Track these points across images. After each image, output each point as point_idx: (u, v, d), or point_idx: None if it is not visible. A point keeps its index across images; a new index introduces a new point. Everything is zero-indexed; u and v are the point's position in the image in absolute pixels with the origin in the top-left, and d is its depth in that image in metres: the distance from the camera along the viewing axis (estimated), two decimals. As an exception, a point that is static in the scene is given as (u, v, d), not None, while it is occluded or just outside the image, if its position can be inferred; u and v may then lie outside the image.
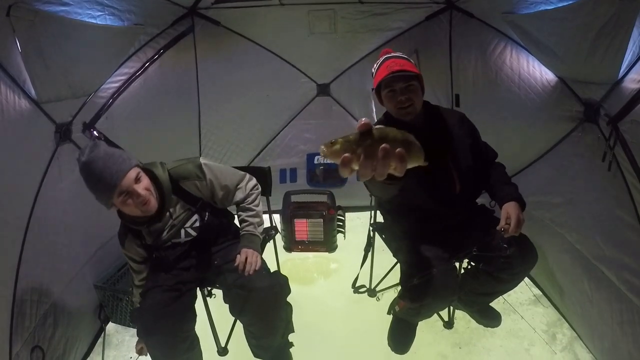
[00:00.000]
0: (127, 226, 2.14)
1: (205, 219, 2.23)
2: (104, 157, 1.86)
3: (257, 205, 2.34)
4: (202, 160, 2.19)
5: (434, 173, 2.13)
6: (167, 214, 2.12)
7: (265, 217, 2.95)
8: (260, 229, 2.32)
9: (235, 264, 2.09)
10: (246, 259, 2.12)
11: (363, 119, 0.88)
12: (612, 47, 1.99)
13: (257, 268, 2.10)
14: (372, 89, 2.27)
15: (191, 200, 2.17)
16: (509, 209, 2.11)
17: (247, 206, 2.32)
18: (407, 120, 2.16)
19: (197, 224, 2.23)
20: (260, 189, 2.40)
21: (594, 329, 2.44)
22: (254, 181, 2.37)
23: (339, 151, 0.87)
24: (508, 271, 2.19)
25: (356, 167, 0.87)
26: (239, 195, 2.29)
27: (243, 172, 2.36)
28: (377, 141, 0.86)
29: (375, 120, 3.93)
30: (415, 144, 0.94)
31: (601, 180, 2.32)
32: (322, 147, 0.89)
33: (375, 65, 2.28)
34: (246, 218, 2.30)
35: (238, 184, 2.30)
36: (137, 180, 1.93)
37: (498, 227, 2.08)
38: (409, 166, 0.91)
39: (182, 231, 2.21)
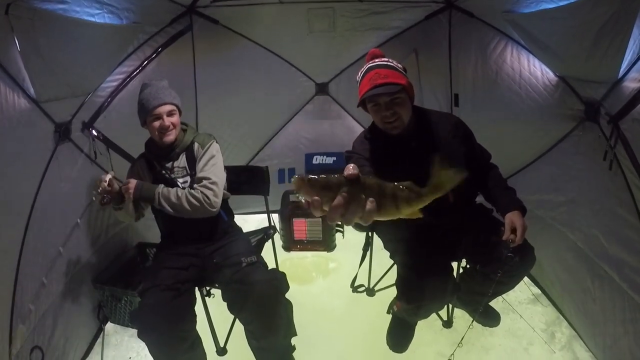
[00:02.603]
0: (147, 157, 2.49)
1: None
2: (158, 86, 2.37)
3: (186, 200, 2.26)
4: (215, 143, 2.47)
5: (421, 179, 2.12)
6: (170, 163, 2.43)
7: (264, 216, 2.97)
8: (160, 205, 2.28)
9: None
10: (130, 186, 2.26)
11: (351, 168, 0.87)
12: (612, 46, 1.99)
13: (124, 191, 2.25)
14: (358, 105, 2.14)
15: (190, 164, 2.42)
16: (514, 219, 2.07)
17: (189, 191, 2.29)
18: (395, 134, 2.10)
19: (187, 185, 2.39)
20: (202, 208, 2.28)
21: (595, 327, 2.45)
22: (209, 192, 2.30)
23: (313, 191, 0.85)
24: (506, 273, 2.18)
25: (326, 209, 0.85)
26: (198, 181, 2.35)
27: (217, 179, 2.35)
28: (356, 191, 0.86)
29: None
30: (389, 199, 0.94)
31: (602, 179, 2.32)
32: (297, 179, 0.85)
33: (359, 73, 2.13)
34: (175, 192, 2.29)
35: (205, 176, 2.34)
36: (170, 114, 2.35)
37: (504, 238, 2.04)
38: (382, 219, 0.93)
39: (178, 184, 2.41)
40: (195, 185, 2.32)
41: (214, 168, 2.37)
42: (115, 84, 3.02)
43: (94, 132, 2.87)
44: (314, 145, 4.50)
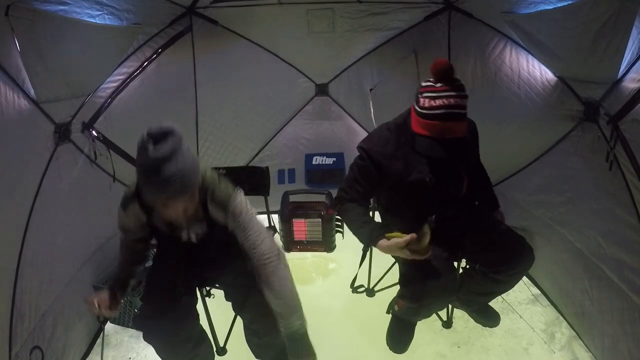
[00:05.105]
0: (140, 200, 1.93)
1: (212, 232, 2.03)
2: (180, 165, 1.63)
3: (288, 285, 1.90)
4: (237, 195, 1.96)
5: (447, 180, 2.12)
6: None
7: (264, 217, 2.96)
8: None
9: None
10: None
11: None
12: (611, 47, 2.01)
13: None
14: (412, 112, 2.01)
15: (205, 213, 1.97)
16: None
17: (277, 277, 1.89)
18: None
19: (200, 230, 2.02)
20: (275, 258, 1.89)
21: (594, 328, 2.45)
22: (279, 260, 1.90)
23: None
24: (505, 272, 2.20)
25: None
26: (260, 256, 1.90)
27: (266, 233, 1.95)
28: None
29: (374, 122, 3.94)
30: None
31: (601, 179, 2.33)
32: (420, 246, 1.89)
33: (426, 94, 1.91)
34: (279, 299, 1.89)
35: (265, 252, 1.89)
36: (185, 210, 1.82)
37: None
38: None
39: (185, 232, 2.02)
40: (263, 258, 1.87)
41: (258, 229, 1.93)
42: (115, 84, 3.02)
43: (94, 132, 2.87)
44: (314, 145, 4.51)
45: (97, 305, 1.94)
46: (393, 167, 2.06)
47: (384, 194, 2.29)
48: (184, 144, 1.67)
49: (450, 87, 1.90)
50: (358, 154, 2.17)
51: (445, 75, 1.91)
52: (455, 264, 2.43)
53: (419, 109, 1.94)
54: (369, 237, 2.03)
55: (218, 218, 1.94)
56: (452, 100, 1.87)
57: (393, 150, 2.07)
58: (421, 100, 1.92)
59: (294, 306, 1.88)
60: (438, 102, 1.87)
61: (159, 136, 1.60)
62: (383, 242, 1.98)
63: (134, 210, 1.97)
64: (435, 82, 1.92)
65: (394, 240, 1.93)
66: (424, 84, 1.96)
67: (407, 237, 1.89)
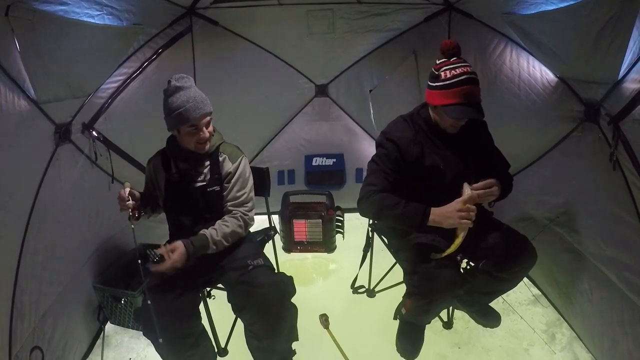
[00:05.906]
0: (164, 154, 2.39)
1: (210, 188, 2.34)
2: (195, 92, 2.17)
3: (234, 229, 2.24)
4: (245, 157, 2.44)
5: (457, 175, 2.19)
6: (190, 165, 2.33)
7: (264, 217, 2.96)
8: (216, 245, 2.18)
9: (159, 251, 2.03)
10: (173, 251, 2.03)
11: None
12: (612, 47, 2.00)
13: (171, 265, 2.02)
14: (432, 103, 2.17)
15: (213, 169, 2.34)
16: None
17: (230, 218, 2.27)
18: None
19: (204, 185, 2.32)
20: (246, 227, 2.34)
21: (594, 329, 2.45)
22: (252, 213, 2.37)
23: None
24: (509, 270, 2.21)
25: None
26: (233, 207, 2.32)
27: (252, 202, 2.40)
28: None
29: (373, 123, 3.94)
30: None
31: (601, 180, 2.33)
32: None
33: (446, 67, 2.09)
34: (220, 225, 2.23)
35: (244, 201, 2.34)
36: (208, 124, 2.25)
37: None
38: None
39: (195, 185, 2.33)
40: (233, 209, 2.30)
41: (248, 189, 2.38)
42: (115, 85, 3.03)
43: (94, 133, 2.87)
44: (314, 146, 4.52)
45: (126, 197, 2.14)
46: (412, 151, 2.19)
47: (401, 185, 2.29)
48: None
49: (462, 60, 2.12)
50: (377, 147, 2.29)
51: (457, 51, 2.14)
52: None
53: (441, 83, 2.08)
54: (419, 212, 2.01)
55: (224, 166, 2.34)
56: (468, 69, 2.07)
57: (412, 135, 2.23)
58: (442, 74, 2.08)
59: (224, 233, 2.20)
60: (459, 70, 2.06)
61: (178, 76, 2.16)
62: (436, 209, 2.01)
63: (154, 163, 2.39)
64: (449, 58, 2.12)
65: (455, 202, 1.98)
66: (438, 62, 2.15)
67: (467, 191, 1.99)
